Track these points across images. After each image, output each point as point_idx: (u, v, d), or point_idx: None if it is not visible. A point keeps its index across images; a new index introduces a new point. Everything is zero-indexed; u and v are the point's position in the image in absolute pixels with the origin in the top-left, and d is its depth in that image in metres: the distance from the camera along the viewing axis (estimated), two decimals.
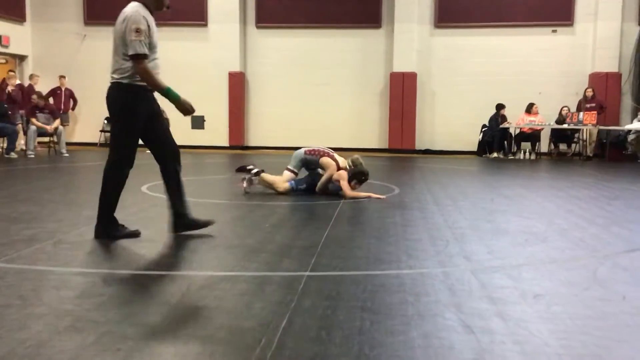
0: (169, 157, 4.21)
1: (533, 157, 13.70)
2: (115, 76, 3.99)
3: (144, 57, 3.89)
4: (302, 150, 6.83)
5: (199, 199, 6.37)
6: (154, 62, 4.05)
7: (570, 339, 2.42)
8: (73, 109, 14.88)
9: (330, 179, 6.57)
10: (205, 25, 15.37)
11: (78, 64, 15.49)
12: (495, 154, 13.86)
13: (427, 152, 14.89)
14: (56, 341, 2.31)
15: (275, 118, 15.45)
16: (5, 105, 12.16)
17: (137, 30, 3.84)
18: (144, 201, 6.02)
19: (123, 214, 5.21)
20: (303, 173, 6.94)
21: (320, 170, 6.75)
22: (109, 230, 4.15)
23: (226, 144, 15.41)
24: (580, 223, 5.13)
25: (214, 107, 15.34)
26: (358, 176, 6.53)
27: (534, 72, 14.43)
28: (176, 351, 2.24)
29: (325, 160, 6.61)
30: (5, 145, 11.91)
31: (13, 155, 11.45)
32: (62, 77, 14.50)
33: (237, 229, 4.90)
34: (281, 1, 15.25)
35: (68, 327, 2.46)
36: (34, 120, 12.12)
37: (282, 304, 2.79)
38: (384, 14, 15.02)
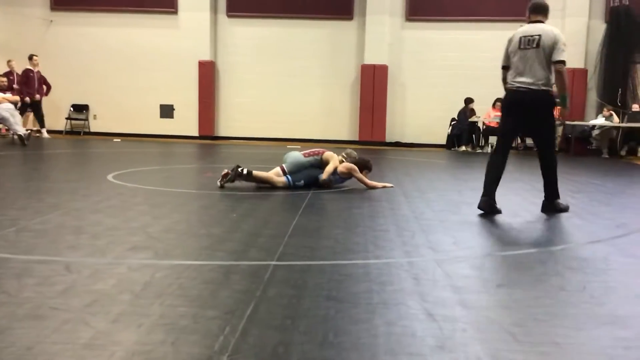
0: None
1: None
2: (549, 84, 5.30)
3: (565, 63, 5.17)
4: (298, 154, 6.50)
5: (167, 188, 6.31)
6: None
7: (530, 327, 2.47)
8: (47, 94, 14.50)
9: (335, 169, 6.45)
10: (176, 13, 15.17)
11: (44, 49, 15.16)
12: (463, 148, 14.00)
13: (397, 144, 14.98)
14: (16, 328, 2.27)
15: (245, 108, 15.35)
16: None
17: (564, 44, 5.15)
18: (109, 190, 5.94)
19: (88, 202, 5.15)
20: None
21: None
22: (555, 206, 5.30)
23: (196, 134, 15.27)
24: (543, 215, 5.23)
25: (183, 96, 15.22)
26: (368, 166, 6.71)
27: None
28: (139, 339, 2.22)
29: (327, 154, 6.55)
30: None
31: None
32: (29, 58, 14.04)
33: (203, 218, 4.86)
34: None
35: (28, 314, 2.42)
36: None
37: (248, 292, 2.79)
38: (356, 5, 15.01)
